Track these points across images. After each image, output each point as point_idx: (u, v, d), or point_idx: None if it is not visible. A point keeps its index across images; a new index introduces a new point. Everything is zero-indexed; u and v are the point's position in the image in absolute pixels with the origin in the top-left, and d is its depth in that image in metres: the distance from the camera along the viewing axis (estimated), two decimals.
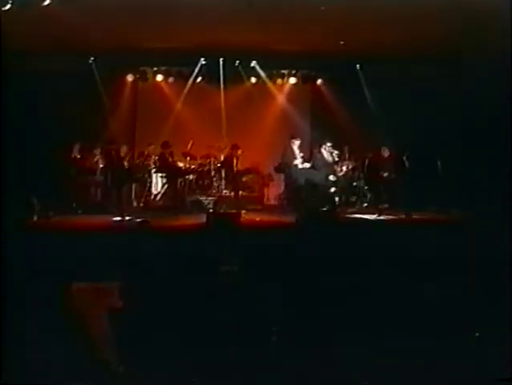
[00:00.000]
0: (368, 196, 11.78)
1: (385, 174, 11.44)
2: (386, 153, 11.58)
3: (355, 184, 11.94)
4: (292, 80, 13.03)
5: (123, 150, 11.25)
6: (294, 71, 12.95)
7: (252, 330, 3.96)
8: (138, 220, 8.79)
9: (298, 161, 10.88)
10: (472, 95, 10.57)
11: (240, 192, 11.88)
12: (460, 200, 9.71)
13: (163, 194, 11.73)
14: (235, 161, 11.40)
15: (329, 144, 11.06)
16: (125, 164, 10.96)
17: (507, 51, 7.49)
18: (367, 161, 11.75)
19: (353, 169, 11.99)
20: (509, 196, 7.29)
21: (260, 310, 4.15)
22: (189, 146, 11.64)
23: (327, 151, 11.05)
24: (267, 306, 4.22)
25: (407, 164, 11.14)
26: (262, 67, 12.62)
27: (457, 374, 3.53)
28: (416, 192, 10.56)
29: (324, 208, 10.23)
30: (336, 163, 11.32)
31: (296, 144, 10.97)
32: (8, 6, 7.98)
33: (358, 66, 12.52)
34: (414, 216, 9.89)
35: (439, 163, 10.67)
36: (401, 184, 11.07)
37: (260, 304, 4.20)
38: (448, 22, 8.97)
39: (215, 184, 11.97)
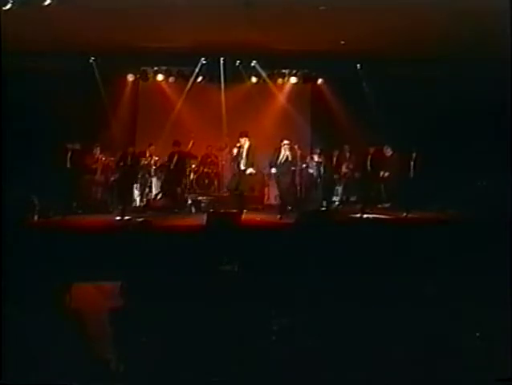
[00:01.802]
0: (370, 195, 11.78)
1: (385, 173, 11.45)
2: (387, 152, 11.59)
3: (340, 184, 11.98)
4: (293, 80, 13.01)
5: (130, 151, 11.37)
6: (294, 71, 12.94)
7: (252, 329, 3.96)
8: (139, 219, 8.80)
9: (242, 162, 10.34)
10: (472, 95, 10.57)
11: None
12: (459, 200, 9.73)
13: (163, 194, 11.76)
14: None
15: (286, 142, 10.64)
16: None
17: (507, 51, 7.47)
18: (367, 160, 11.75)
19: (353, 168, 12.00)
20: (509, 195, 7.29)
21: (260, 308, 4.16)
22: (190, 146, 11.65)
23: (284, 149, 10.61)
24: (267, 305, 4.23)
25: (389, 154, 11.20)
26: (262, 67, 12.61)
27: (457, 374, 3.53)
28: (415, 192, 10.58)
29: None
30: (295, 159, 10.92)
31: (245, 144, 10.39)
32: (8, 6, 7.98)
33: (358, 65, 12.51)
34: (413, 216, 9.91)
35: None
36: (402, 183, 11.10)
37: (259, 302, 4.21)
38: (448, 21, 8.96)
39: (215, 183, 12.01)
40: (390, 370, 3.60)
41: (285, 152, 10.56)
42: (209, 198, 11.54)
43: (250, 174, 10.16)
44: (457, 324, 4.06)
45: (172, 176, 11.02)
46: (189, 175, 11.84)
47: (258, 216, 10.15)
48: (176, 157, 10.87)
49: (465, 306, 4.23)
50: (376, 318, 4.06)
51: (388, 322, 4.09)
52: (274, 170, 10.78)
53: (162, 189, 11.50)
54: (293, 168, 11.10)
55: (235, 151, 10.22)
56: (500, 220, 6.37)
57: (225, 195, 11.81)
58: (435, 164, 10.86)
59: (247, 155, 10.17)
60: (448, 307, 4.27)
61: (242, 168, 10.27)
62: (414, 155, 11.23)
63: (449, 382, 3.52)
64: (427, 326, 4.06)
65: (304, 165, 11.73)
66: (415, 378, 3.53)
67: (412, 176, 11.18)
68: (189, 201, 11.34)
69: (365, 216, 10.05)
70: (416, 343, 3.85)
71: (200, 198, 11.54)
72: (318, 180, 11.85)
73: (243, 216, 8.91)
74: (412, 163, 11.29)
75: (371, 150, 11.81)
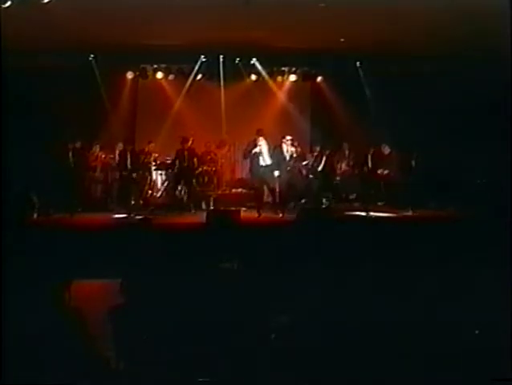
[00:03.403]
0: (370, 193, 11.75)
1: (385, 171, 11.44)
2: (386, 151, 11.58)
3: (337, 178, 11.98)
4: (292, 77, 13.00)
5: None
6: (294, 69, 12.92)
7: (252, 328, 3.95)
8: (138, 217, 8.81)
9: (261, 158, 10.48)
10: (472, 94, 10.56)
11: (239, 190, 11.94)
12: (458, 198, 9.73)
13: (163, 191, 11.76)
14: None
15: (289, 138, 10.72)
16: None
17: (507, 51, 7.46)
18: (366, 158, 11.73)
19: (352, 166, 11.99)
20: (509, 194, 7.29)
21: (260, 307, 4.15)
22: (189, 143, 11.63)
23: (287, 145, 10.70)
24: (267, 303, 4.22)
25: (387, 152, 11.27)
26: (261, 65, 12.59)
27: (457, 374, 3.52)
28: (415, 190, 10.58)
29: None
30: (296, 157, 10.93)
31: (261, 140, 10.47)
32: (8, 3, 7.95)
33: (358, 63, 12.48)
34: (411, 214, 9.92)
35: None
36: (401, 181, 11.10)
37: (260, 301, 4.20)
38: (448, 20, 8.94)
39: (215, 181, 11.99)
40: (387, 368, 3.59)
41: (288, 148, 10.61)
42: (209, 196, 11.51)
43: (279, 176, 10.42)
44: (456, 324, 4.05)
45: (183, 173, 11.03)
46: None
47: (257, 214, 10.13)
48: (186, 155, 10.90)
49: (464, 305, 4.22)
50: (376, 317, 4.06)
51: (388, 321, 4.08)
52: (274, 167, 10.74)
53: (168, 187, 11.51)
54: (295, 165, 11.13)
55: (257, 149, 10.29)
56: (500, 218, 6.38)
57: (224, 193, 11.80)
58: (434, 162, 10.86)
59: (270, 153, 10.33)
60: (446, 307, 4.26)
61: (263, 164, 10.37)
62: (413, 153, 11.23)
63: (449, 382, 3.52)
64: (425, 327, 4.05)
65: (304, 163, 11.72)
66: (414, 378, 3.53)
67: (411, 174, 11.18)
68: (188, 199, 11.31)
69: (364, 213, 10.05)
70: (416, 343, 3.84)
71: (199, 196, 11.52)
72: (318, 177, 11.85)
73: (242, 214, 8.93)
74: (411, 161, 11.29)
75: (371, 148, 11.80)
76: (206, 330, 3.74)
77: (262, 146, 10.32)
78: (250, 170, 10.78)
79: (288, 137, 10.72)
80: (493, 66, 8.76)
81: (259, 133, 10.40)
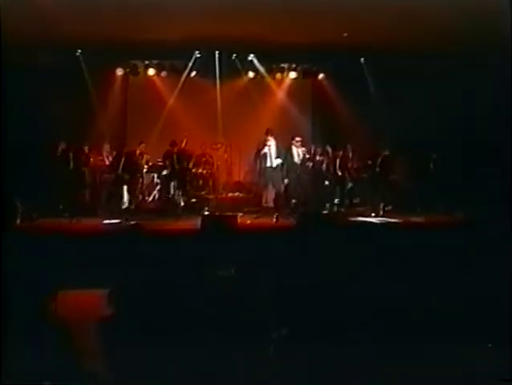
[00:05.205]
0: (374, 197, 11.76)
1: (390, 174, 11.44)
2: (387, 152, 11.59)
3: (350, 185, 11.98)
4: (292, 75, 13.01)
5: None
6: (294, 65, 12.94)
7: (249, 335, 3.95)
8: (130, 222, 8.80)
9: (269, 159, 10.69)
10: (473, 94, 10.59)
11: (236, 194, 11.96)
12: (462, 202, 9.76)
13: (155, 195, 11.76)
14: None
15: (298, 139, 10.96)
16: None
17: (507, 50, 7.51)
18: (371, 160, 11.74)
19: (356, 169, 11.99)
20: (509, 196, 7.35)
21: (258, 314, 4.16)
22: (183, 143, 11.63)
23: (296, 147, 10.96)
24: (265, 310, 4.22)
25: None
26: (260, 61, 12.61)
27: (458, 374, 3.56)
28: (420, 193, 10.60)
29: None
30: (307, 159, 11.22)
31: (270, 141, 10.69)
32: None
33: (362, 59, 12.50)
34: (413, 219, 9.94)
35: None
36: (407, 185, 11.11)
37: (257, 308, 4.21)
38: (450, 17, 9.01)
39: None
40: (390, 368, 3.62)
41: (298, 150, 10.81)
42: (204, 200, 11.52)
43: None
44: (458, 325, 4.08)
45: (176, 176, 11.08)
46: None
47: (255, 219, 10.13)
48: (175, 158, 10.91)
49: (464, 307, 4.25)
50: (377, 319, 4.07)
51: (388, 322, 4.10)
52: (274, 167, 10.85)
53: (160, 190, 11.54)
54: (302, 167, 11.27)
55: (266, 149, 10.33)
56: (505, 222, 6.43)
57: (220, 196, 11.81)
58: (440, 164, 10.88)
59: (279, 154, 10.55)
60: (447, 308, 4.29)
61: (272, 165, 10.56)
62: (419, 154, 11.25)
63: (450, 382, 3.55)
64: (426, 326, 4.08)
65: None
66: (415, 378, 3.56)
67: (417, 177, 11.19)
68: (182, 203, 11.32)
69: (369, 219, 10.07)
70: (416, 343, 3.86)
71: (193, 200, 11.53)
72: (320, 180, 11.85)
73: (239, 220, 8.93)
74: (417, 162, 11.30)
75: (375, 150, 11.80)
76: (200, 336, 3.75)
77: (272, 146, 10.44)
78: (259, 172, 10.90)
79: (298, 138, 10.98)
80: (493, 66, 8.81)
81: (268, 133, 10.49)
